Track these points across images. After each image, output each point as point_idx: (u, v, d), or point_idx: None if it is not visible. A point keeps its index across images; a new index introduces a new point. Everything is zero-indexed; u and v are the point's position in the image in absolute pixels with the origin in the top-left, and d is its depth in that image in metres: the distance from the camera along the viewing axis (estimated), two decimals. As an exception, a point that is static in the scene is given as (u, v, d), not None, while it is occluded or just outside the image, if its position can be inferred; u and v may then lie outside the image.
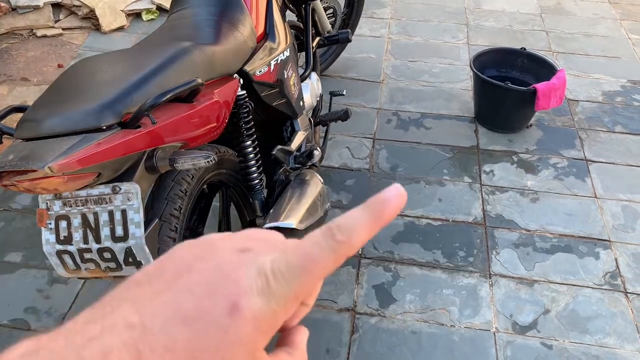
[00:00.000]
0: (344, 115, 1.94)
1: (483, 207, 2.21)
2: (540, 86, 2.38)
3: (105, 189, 1.05)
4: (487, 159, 2.44)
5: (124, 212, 1.04)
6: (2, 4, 3.22)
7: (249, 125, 1.45)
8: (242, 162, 1.47)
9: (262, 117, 1.61)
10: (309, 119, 1.86)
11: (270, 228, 1.29)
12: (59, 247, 1.07)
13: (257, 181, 1.49)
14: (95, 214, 1.06)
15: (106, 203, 1.05)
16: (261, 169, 1.50)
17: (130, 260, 1.06)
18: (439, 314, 1.83)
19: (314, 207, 1.45)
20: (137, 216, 1.04)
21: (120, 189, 1.04)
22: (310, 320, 1.82)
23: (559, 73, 2.45)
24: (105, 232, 1.05)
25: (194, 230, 1.47)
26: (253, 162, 1.47)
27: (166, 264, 0.30)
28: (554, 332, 1.78)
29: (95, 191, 1.05)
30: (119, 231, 1.05)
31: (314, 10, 2.10)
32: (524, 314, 1.84)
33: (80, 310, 0.30)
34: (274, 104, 1.59)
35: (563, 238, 2.09)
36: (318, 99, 2.02)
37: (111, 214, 1.05)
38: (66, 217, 1.06)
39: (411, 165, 2.39)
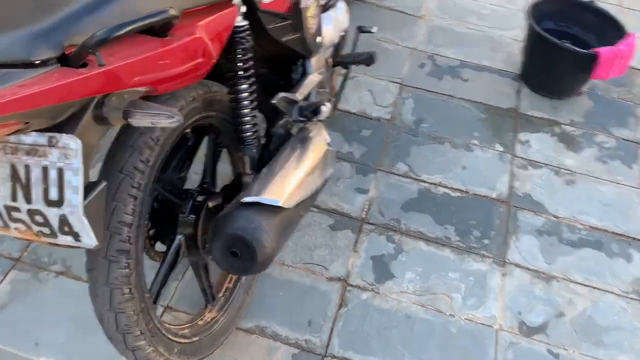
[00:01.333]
0: (368, 60, 1.65)
1: (511, 182, 1.96)
2: (603, 51, 2.03)
3: (40, 138, 0.82)
4: (525, 126, 2.15)
5: (60, 172, 0.82)
6: None
7: (246, 66, 1.19)
8: (234, 109, 1.22)
9: (265, 53, 1.34)
10: (327, 59, 1.58)
11: (252, 203, 1.07)
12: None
13: (250, 133, 1.24)
14: (27, 168, 0.84)
15: (40, 156, 0.83)
16: (256, 118, 1.25)
17: (65, 229, 0.85)
18: (440, 299, 1.64)
19: (312, 178, 1.21)
20: (75, 179, 0.81)
21: (58, 141, 0.81)
22: (296, 285, 1.66)
23: (628, 38, 2.09)
24: (37, 191, 0.84)
25: (168, 181, 1.25)
26: (247, 110, 1.22)
27: None
28: (565, 340, 1.59)
29: (28, 139, 0.83)
30: (53, 194, 0.83)
31: None
32: (535, 313, 1.64)
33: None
34: (282, 39, 1.31)
35: (594, 231, 1.85)
36: (342, 34, 1.72)
37: (45, 170, 0.83)
38: (-17, 166, 0.85)
39: (438, 122, 2.12)
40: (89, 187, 0.86)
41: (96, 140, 0.86)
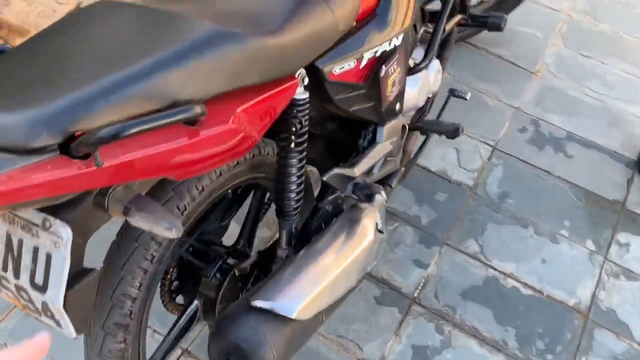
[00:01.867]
0: (453, 133, 1.46)
1: (595, 290, 1.69)
2: None
3: (35, 217, 0.75)
4: (629, 226, 1.86)
5: (48, 258, 0.75)
6: None
7: (299, 140, 1.06)
8: (278, 179, 1.10)
9: (331, 118, 1.21)
10: (405, 124, 1.41)
11: (261, 309, 0.94)
12: (-21, 257, 0.81)
13: (290, 207, 1.12)
14: (20, 242, 0.77)
15: (33, 235, 0.76)
16: (301, 193, 1.12)
17: (48, 314, 0.78)
18: (479, 414, 1.44)
19: (345, 278, 1.07)
20: (59, 270, 0.73)
21: (51, 226, 0.74)
22: (321, 359, 1.52)
23: None
24: (25, 270, 0.77)
25: (205, 232, 1.17)
26: (293, 185, 1.10)
27: None
28: None
29: (25, 214, 0.76)
30: (39, 278, 0.76)
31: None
32: None
33: None
34: (351, 109, 1.17)
35: (686, 375, 1.55)
36: (430, 96, 1.55)
37: (35, 251, 0.76)
38: (-12, 227, 0.79)
39: (526, 200, 1.88)
40: (80, 274, 0.78)
41: (94, 227, 0.78)
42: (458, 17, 1.58)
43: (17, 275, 0.78)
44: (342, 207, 1.21)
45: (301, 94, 1.02)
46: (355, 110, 1.19)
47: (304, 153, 1.09)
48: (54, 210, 0.74)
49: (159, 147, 0.73)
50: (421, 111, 1.54)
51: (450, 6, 1.44)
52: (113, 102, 0.69)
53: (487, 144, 2.03)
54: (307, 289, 0.99)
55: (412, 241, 1.75)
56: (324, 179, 1.14)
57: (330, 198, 1.21)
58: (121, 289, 0.92)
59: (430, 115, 1.60)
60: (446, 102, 1.63)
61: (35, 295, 0.77)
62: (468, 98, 1.62)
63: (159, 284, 1.13)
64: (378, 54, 1.16)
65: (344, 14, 1.05)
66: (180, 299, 1.23)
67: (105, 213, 0.76)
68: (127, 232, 0.94)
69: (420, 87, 1.42)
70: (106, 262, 0.94)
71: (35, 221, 0.75)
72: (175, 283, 1.20)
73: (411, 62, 1.42)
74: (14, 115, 0.65)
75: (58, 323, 0.78)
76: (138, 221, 0.73)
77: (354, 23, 1.12)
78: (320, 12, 1.00)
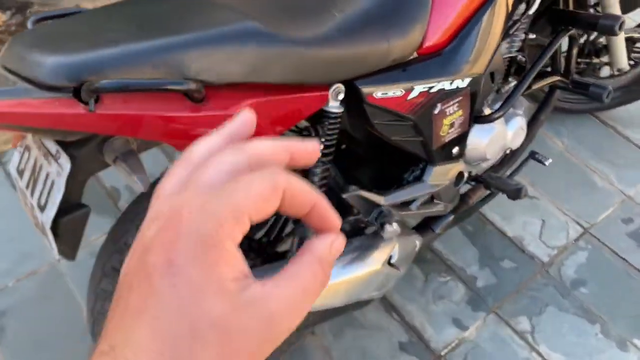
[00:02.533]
0: (513, 193, 1.37)
1: (654, 418, 1.45)
2: None
3: (52, 148, 0.88)
4: None
5: (52, 184, 0.87)
6: None
7: (326, 152, 1.09)
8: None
9: (378, 145, 1.21)
10: (463, 172, 1.36)
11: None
12: (15, 174, 0.96)
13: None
14: (40, 167, 0.90)
15: (49, 163, 0.88)
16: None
17: (44, 232, 0.90)
18: None
19: (329, 294, 1.05)
20: (56, 196, 0.85)
21: (60, 157, 0.86)
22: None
23: None
24: (37, 192, 0.90)
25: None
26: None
27: (133, 280, 0.29)
28: None
29: (49, 143, 0.89)
30: (43, 200, 0.88)
31: (574, 40, 1.47)
32: None
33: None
34: (393, 138, 1.17)
35: None
36: (507, 152, 1.48)
37: (46, 177, 0.88)
38: (28, 150, 0.94)
39: (603, 295, 1.68)
40: (75, 207, 0.89)
41: (95, 168, 0.88)
42: (555, 78, 1.48)
43: (32, 194, 0.91)
44: (360, 231, 1.21)
45: (334, 107, 1.05)
46: (398, 140, 1.18)
47: (329, 165, 1.12)
48: (67, 146, 0.86)
49: (157, 112, 0.82)
50: (494, 166, 1.47)
51: (540, 65, 1.36)
52: (127, 64, 0.79)
53: (579, 224, 1.85)
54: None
55: (459, 299, 1.66)
56: (344, 196, 1.15)
57: (351, 218, 1.21)
58: (112, 261, 1.02)
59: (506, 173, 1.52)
60: (523, 163, 1.53)
61: (38, 214, 0.89)
62: (547, 164, 1.51)
63: None
64: (434, 90, 1.15)
65: (399, 46, 1.07)
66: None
67: (102, 157, 0.87)
68: (131, 208, 1.04)
69: (492, 140, 1.36)
70: (116, 222, 1.05)
71: (52, 151, 0.88)
72: None
73: (487, 111, 1.37)
74: (48, 57, 0.77)
75: (50, 242, 0.90)
76: (119, 170, 0.82)
77: (414, 54, 1.13)
78: (373, 39, 1.02)
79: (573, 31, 1.43)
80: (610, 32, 1.34)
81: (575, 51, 1.50)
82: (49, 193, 0.87)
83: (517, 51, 1.44)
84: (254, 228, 1.31)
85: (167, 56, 0.81)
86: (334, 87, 1.03)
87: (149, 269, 0.28)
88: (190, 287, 0.28)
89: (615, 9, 1.57)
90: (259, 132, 0.95)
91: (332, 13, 1.01)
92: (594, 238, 1.82)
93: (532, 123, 1.59)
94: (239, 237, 0.30)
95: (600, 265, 1.75)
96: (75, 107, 0.77)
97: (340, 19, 1.01)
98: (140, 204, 1.03)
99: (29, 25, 0.91)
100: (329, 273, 0.32)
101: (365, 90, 1.06)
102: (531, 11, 1.38)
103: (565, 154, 2.05)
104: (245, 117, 0.36)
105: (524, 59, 1.47)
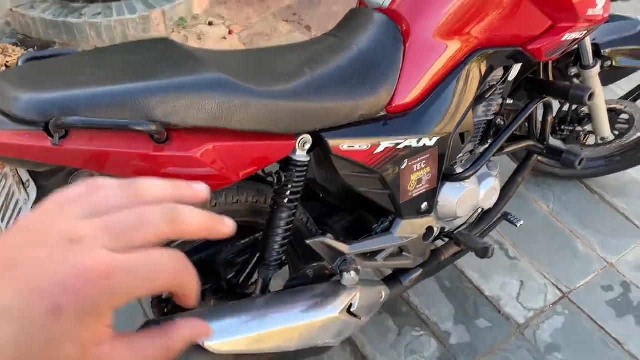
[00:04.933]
0: (481, 252, 1.39)
1: None
2: None
3: (24, 177, 0.94)
4: None
5: (19, 211, 0.92)
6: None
7: (292, 197, 1.14)
8: (266, 229, 1.18)
9: (350, 196, 1.25)
10: (433, 227, 1.39)
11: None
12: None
13: (272, 257, 1.18)
14: (13, 194, 0.96)
15: (19, 191, 0.94)
16: (285, 246, 1.18)
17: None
18: None
19: (282, 337, 1.06)
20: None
21: (29, 186, 0.92)
22: None
23: None
24: (6, 217, 0.95)
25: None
26: (279, 238, 1.17)
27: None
28: None
29: (23, 174, 0.95)
30: (11, 225, 0.94)
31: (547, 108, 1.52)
32: None
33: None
34: (360, 189, 1.22)
35: None
36: (478, 211, 1.51)
37: (16, 203, 0.94)
38: (6, 177, 1.00)
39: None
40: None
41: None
42: (529, 143, 1.53)
43: (2, 219, 0.97)
44: (325, 277, 1.24)
45: (300, 156, 1.10)
46: (366, 191, 1.23)
47: (295, 210, 1.16)
48: (37, 176, 0.92)
49: (121, 149, 0.88)
50: (465, 223, 1.50)
51: (511, 129, 1.42)
52: (96, 104, 0.85)
53: (558, 288, 1.85)
54: (237, 328, 1.03)
55: (430, 355, 1.66)
56: (308, 242, 1.18)
57: (315, 264, 1.25)
58: None
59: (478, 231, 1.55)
60: (495, 222, 1.56)
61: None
62: (519, 226, 1.53)
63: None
64: (401, 146, 1.20)
65: (367, 104, 1.13)
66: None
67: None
68: None
69: (462, 198, 1.40)
70: None
71: (24, 180, 0.94)
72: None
73: (459, 169, 1.42)
74: (23, 94, 0.84)
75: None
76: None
77: (383, 112, 1.19)
78: (341, 96, 1.09)
79: (547, 99, 1.49)
80: (580, 102, 1.39)
81: (550, 118, 1.55)
82: (16, 219, 0.93)
83: (495, 114, 1.50)
84: (224, 269, 1.35)
85: (134, 99, 0.87)
86: (301, 137, 1.08)
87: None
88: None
89: (594, 81, 1.63)
90: (221, 174, 1.00)
91: (304, 71, 1.08)
92: (572, 304, 1.82)
93: (509, 184, 1.62)
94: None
95: (576, 331, 1.74)
96: (43, 141, 0.83)
97: (311, 76, 1.08)
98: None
99: (19, 63, 0.99)
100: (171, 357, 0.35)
101: (332, 142, 1.11)
102: (510, 77, 1.45)
103: (550, 218, 2.07)
104: (200, 187, 0.39)
105: (502, 122, 1.53)
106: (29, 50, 2.65)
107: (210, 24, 2.88)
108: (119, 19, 2.61)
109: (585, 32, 1.36)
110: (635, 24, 1.64)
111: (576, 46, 1.55)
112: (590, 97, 1.38)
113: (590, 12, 1.30)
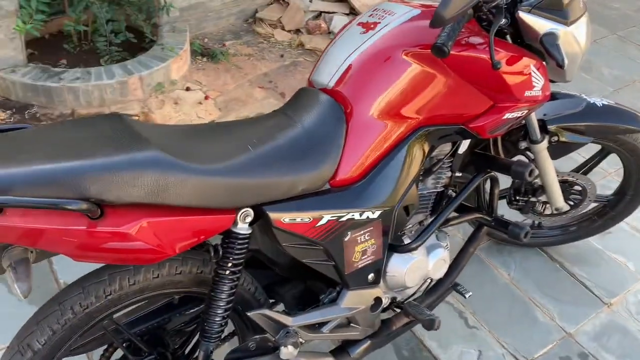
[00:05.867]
0: (427, 324, 1.41)
1: None
2: None
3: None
4: None
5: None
6: (323, 25, 3.46)
7: (234, 270, 1.16)
8: (207, 302, 1.20)
9: (297, 268, 1.28)
10: (381, 297, 1.41)
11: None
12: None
13: (212, 330, 1.19)
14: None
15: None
16: (226, 318, 1.20)
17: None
18: None
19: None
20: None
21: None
22: None
23: None
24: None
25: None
26: (220, 310, 1.18)
27: None
28: None
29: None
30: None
31: (494, 181, 1.58)
32: None
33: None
34: (304, 260, 1.24)
35: None
36: (428, 281, 1.53)
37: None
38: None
39: None
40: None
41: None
42: (476, 215, 1.57)
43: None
44: (267, 350, 1.24)
45: (241, 229, 1.13)
46: (310, 263, 1.25)
47: (237, 282, 1.18)
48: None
49: (55, 225, 0.91)
50: (414, 293, 1.52)
51: (456, 202, 1.47)
52: (32, 183, 0.88)
53: (516, 358, 1.85)
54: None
55: None
56: (249, 314, 1.20)
57: (257, 337, 1.25)
58: (28, 339, 1.07)
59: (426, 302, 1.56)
60: (444, 293, 1.58)
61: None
62: (467, 297, 1.56)
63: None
64: (343, 219, 1.23)
65: (308, 179, 1.17)
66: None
67: (-1, 263, 0.94)
68: (60, 293, 1.11)
69: (411, 268, 1.43)
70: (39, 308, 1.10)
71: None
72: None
73: (407, 240, 1.45)
74: None
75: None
76: (8, 276, 0.90)
77: (327, 186, 1.23)
78: (282, 172, 1.13)
79: (493, 173, 1.55)
80: (521, 178, 1.45)
81: (496, 191, 1.60)
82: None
83: (446, 186, 1.55)
84: (172, 339, 1.35)
85: (69, 178, 0.90)
86: (242, 210, 1.12)
87: None
88: None
89: (543, 155, 1.70)
90: (156, 248, 1.03)
91: (246, 148, 1.13)
92: (530, 375, 1.81)
93: (461, 255, 1.65)
94: None
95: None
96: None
97: (254, 152, 1.12)
98: (51, 307, 1.09)
99: None
100: None
101: (273, 215, 1.15)
102: (460, 151, 1.51)
103: (510, 286, 2.10)
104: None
105: (453, 194, 1.58)
106: (7, 111, 2.72)
107: (187, 89, 2.97)
108: (97, 84, 2.69)
109: (527, 110, 1.44)
110: (580, 102, 1.72)
111: (523, 121, 1.62)
112: (531, 173, 1.44)
113: (528, 93, 1.38)
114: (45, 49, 3.06)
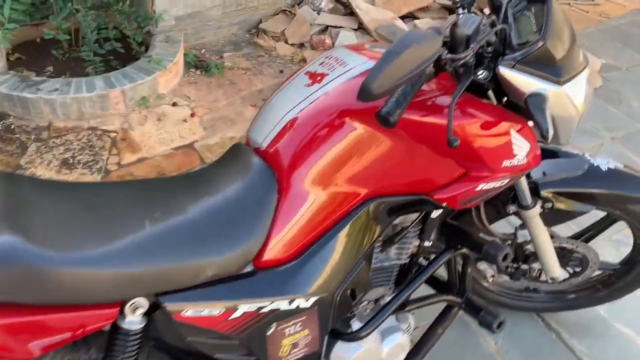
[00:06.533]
0: None
1: None
2: None
3: None
4: None
5: None
6: (327, 41, 3.25)
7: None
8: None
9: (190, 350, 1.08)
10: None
11: None
12: None
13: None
14: None
15: None
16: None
17: None
18: None
19: None
20: None
21: None
22: None
23: None
24: None
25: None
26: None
27: None
28: None
29: None
30: None
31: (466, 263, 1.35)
32: None
33: None
34: (217, 355, 1.05)
35: None
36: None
37: None
38: None
39: None
40: None
41: None
42: (444, 297, 1.35)
43: None
44: None
45: (130, 322, 0.94)
46: (224, 358, 1.05)
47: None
48: None
49: None
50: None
51: (419, 282, 1.25)
52: None
53: None
54: None
55: None
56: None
57: None
58: None
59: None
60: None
61: None
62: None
63: None
64: (265, 310, 1.03)
65: (221, 262, 0.98)
66: None
67: None
68: None
69: (358, 358, 1.22)
70: None
71: None
72: None
73: (356, 325, 1.24)
74: None
75: None
76: None
77: (249, 267, 1.03)
78: (187, 256, 0.94)
79: (464, 250, 1.31)
80: (493, 261, 1.21)
81: (469, 270, 1.37)
82: None
83: (413, 256, 1.33)
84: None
85: None
86: (131, 302, 0.93)
87: None
88: None
89: (535, 222, 1.46)
90: (12, 355, 0.83)
91: (143, 223, 0.94)
92: None
93: (427, 337, 1.42)
94: None
95: None
96: None
97: (150, 231, 0.93)
98: None
99: None
100: None
101: (172, 307, 0.96)
102: (434, 215, 1.29)
103: (496, 357, 1.85)
104: None
105: (424, 263, 1.36)
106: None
107: (174, 104, 2.80)
108: (75, 97, 2.54)
109: (509, 179, 1.20)
110: (582, 164, 1.47)
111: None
112: (506, 257, 1.21)
113: (507, 163, 1.15)
114: (33, 54, 2.94)
